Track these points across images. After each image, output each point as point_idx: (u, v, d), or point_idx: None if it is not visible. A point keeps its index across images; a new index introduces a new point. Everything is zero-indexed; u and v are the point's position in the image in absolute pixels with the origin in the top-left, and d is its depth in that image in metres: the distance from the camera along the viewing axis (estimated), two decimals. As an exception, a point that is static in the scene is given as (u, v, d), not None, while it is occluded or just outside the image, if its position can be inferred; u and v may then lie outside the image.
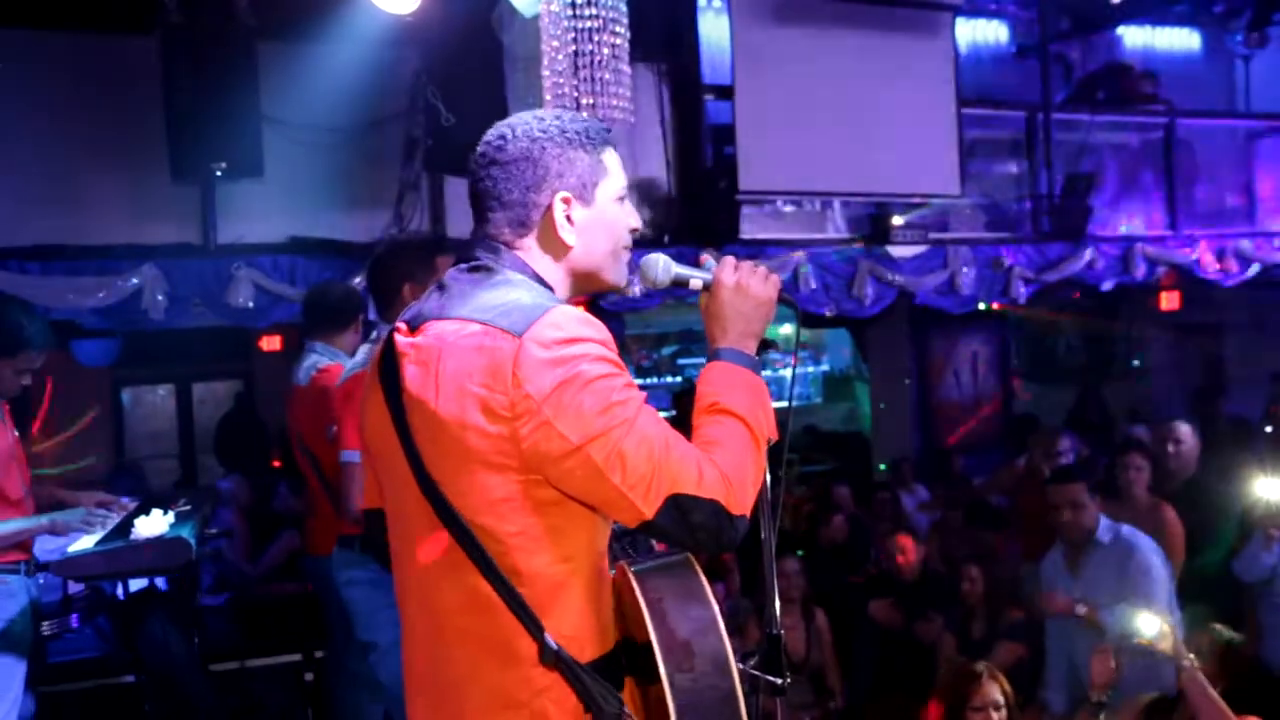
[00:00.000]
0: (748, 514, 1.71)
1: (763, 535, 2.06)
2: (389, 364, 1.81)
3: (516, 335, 1.67)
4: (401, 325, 1.84)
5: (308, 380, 4.14)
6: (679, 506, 1.64)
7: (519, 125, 1.85)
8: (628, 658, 1.81)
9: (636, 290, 6.08)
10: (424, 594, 1.79)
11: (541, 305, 1.72)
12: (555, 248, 1.85)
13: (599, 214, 1.87)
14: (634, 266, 1.99)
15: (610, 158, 1.89)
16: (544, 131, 1.83)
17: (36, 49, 5.87)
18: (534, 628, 1.70)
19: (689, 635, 1.73)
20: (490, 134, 1.87)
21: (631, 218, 1.94)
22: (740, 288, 1.90)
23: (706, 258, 2.01)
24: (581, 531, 1.74)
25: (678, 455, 1.67)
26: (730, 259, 1.95)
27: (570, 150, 1.83)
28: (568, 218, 1.84)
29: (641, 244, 7.11)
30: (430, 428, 1.72)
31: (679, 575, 1.81)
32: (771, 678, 1.98)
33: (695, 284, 1.97)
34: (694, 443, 1.74)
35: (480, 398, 1.67)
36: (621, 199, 1.91)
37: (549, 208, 1.83)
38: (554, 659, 1.70)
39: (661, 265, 1.96)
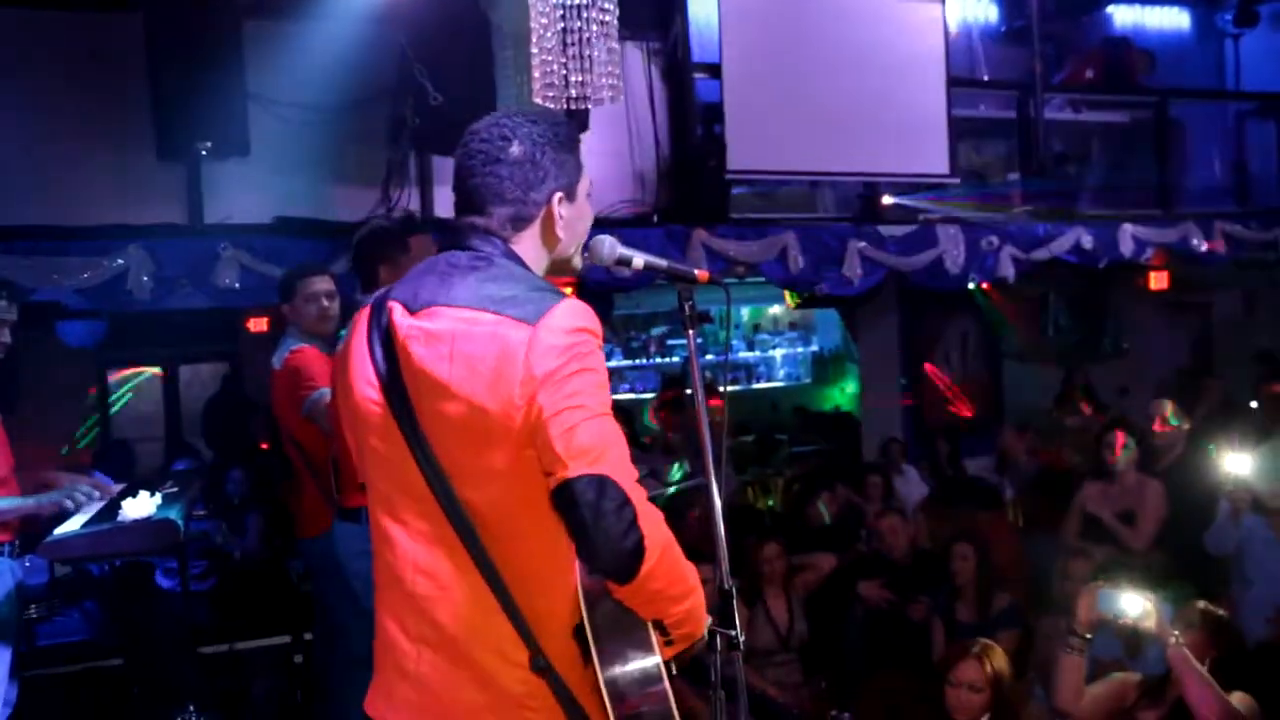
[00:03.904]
0: (645, 544, 1.77)
1: (713, 497, 2.15)
2: (387, 341, 1.93)
3: (530, 324, 1.82)
4: (396, 305, 1.95)
5: (281, 364, 4.19)
6: (600, 483, 1.75)
7: (518, 128, 1.98)
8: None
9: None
10: (430, 557, 1.91)
11: (548, 297, 1.87)
12: (550, 241, 2.03)
13: (579, 210, 2.07)
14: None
15: (580, 158, 2.07)
16: (541, 135, 1.99)
17: (17, 26, 5.80)
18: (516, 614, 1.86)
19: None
20: (489, 133, 1.99)
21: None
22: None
23: None
24: None
25: (618, 456, 1.79)
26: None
27: (562, 153, 2.01)
28: (559, 215, 2.01)
29: (630, 223, 7.09)
30: (439, 405, 1.86)
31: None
32: (727, 631, 2.08)
33: (638, 263, 2.15)
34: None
35: (491, 379, 1.81)
36: (589, 195, 2.10)
37: (547, 205, 2.00)
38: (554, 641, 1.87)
39: (607, 245, 2.13)
